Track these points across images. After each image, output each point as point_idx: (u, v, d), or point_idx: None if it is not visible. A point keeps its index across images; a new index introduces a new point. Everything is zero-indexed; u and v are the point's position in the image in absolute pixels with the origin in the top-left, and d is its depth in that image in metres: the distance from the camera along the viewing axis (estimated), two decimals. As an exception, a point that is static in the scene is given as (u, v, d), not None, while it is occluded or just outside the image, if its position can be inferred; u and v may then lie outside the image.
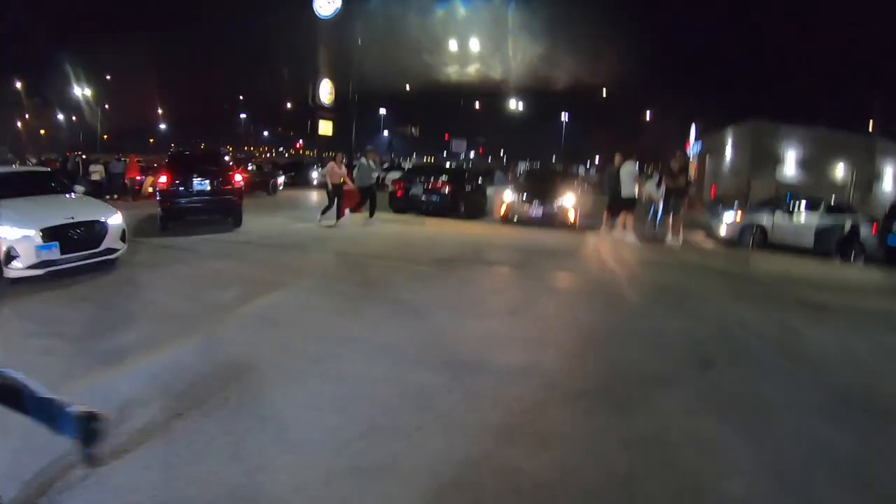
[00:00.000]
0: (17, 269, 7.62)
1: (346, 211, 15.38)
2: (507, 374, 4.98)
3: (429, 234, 13.98)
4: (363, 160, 16.24)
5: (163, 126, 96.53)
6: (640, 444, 3.95)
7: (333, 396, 4.45)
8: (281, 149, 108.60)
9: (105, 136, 69.48)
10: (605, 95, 70.48)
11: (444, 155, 74.91)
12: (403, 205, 18.29)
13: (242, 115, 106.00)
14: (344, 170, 15.48)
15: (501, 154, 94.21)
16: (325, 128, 43.17)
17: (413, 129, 72.45)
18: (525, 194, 16.49)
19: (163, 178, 13.61)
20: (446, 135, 73.01)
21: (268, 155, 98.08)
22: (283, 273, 9.01)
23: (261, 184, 26.70)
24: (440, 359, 5.26)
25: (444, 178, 18.10)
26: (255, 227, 13.74)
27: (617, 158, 14.90)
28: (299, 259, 10.36)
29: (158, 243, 11.01)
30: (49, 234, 7.92)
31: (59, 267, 8.04)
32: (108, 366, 4.98)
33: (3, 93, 63.45)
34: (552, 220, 15.89)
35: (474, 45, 40.70)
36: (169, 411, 4.13)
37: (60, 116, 76.30)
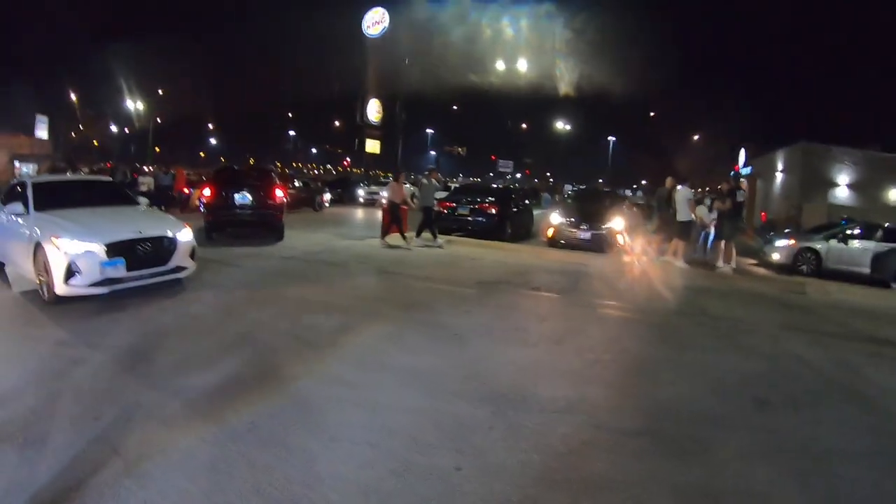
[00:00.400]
0: (77, 286, 7.15)
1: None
2: (552, 410, 4.72)
3: (474, 255, 13.66)
4: (425, 180, 16.14)
5: (213, 140, 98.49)
6: (691, 492, 3.68)
7: (367, 428, 4.24)
8: (328, 165, 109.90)
9: (157, 149, 71.08)
10: (651, 116, 69.84)
11: (491, 175, 74.87)
12: (449, 225, 17.94)
13: (291, 133, 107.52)
14: (406, 189, 15.11)
15: (547, 175, 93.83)
16: (373, 146, 43.42)
17: (460, 149, 72.61)
18: (573, 217, 16.12)
19: (207, 191, 14.47)
20: (493, 155, 73.08)
21: (315, 172, 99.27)
22: (325, 292, 8.93)
23: (307, 200, 26.66)
24: (481, 390, 5.03)
25: (490, 198, 17.80)
26: (300, 243, 13.74)
27: (668, 181, 14.52)
28: (342, 278, 10.27)
29: (209, 256, 10.85)
30: (115, 249, 7.38)
31: (124, 286, 7.51)
32: (135, 379, 4.96)
33: (58, 104, 65.67)
34: (600, 244, 15.46)
35: (522, 65, 40.60)
36: (193, 434, 4.01)
37: (114, 128, 78.42)
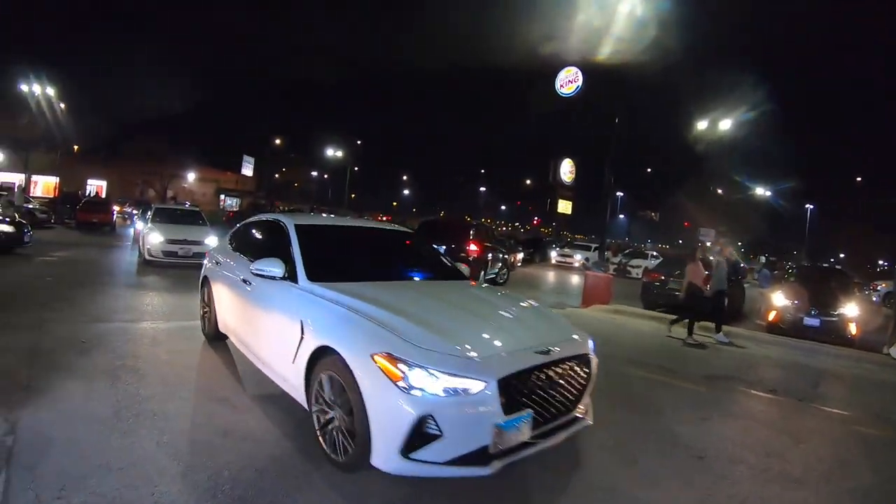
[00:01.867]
0: (429, 462, 3.59)
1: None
2: None
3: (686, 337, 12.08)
4: (717, 256, 12.71)
5: (406, 191, 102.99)
6: None
7: None
8: (517, 223, 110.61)
9: (352, 195, 75.81)
10: (857, 182, 63.28)
11: (680, 242, 71.11)
12: (656, 299, 16.51)
13: (482, 189, 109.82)
14: (702, 268, 12.25)
15: (738, 245, 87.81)
16: (565, 206, 42.88)
17: (653, 214, 70.05)
18: (798, 299, 14.18)
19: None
20: (686, 222, 69.53)
21: (504, 228, 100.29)
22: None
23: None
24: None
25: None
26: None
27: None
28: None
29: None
30: (513, 389, 3.79)
31: (515, 458, 3.82)
32: None
33: (262, 148, 72.67)
34: (829, 333, 13.42)
35: (724, 124, 38.25)
36: None
37: (314, 172, 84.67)
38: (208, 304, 7.31)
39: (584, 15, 18.47)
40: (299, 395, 4.64)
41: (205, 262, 7.85)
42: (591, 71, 19.23)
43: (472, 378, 3.64)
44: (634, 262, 31.95)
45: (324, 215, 7.03)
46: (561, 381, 4.24)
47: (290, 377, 4.75)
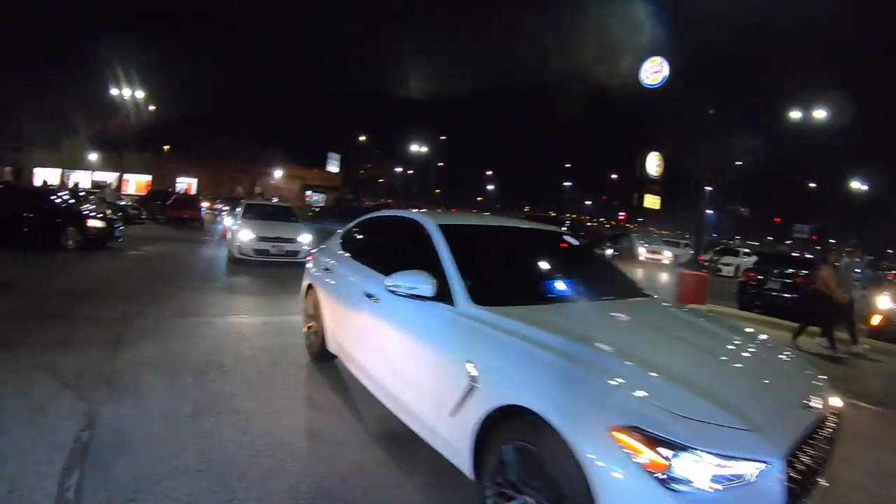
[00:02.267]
0: None
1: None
2: None
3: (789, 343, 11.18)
4: (846, 260, 11.10)
5: (490, 186, 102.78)
6: None
7: None
8: (602, 218, 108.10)
9: (437, 190, 76.30)
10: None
11: (769, 239, 67.96)
12: (753, 300, 15.51)
13: (567, 183, 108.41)
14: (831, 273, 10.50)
15: (830, 241, 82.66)
16: (652, 201, 41.92)
17: (742, 209, 67.29)
18: (906, 302, 13.08)
19: None
20: (777, 218, 66.51)
21: (588, 224, 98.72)
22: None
23: (588, 254, 25.83)
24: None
25: (807, 272, 14.93)
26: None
27: None
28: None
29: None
30: (794, 467, 2.40)
31: None
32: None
33: (349, 145, 74.22)
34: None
35: (818, 114, 36.51)
36: None
37: (398, 168, 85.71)
38: (314, 317, 6.02)
39: (672, 3, 18.00)
40: (459, 458, 3.24)
41: (309, 266, 6.53)
42: (679, 61, 18.59)
43: (751, 459, 2.29)
44: (725, 259, 30.84)
45: (413, 210, 5.94)
46: (820, 442, 2.80)
47: (445, 433, 3.37)
